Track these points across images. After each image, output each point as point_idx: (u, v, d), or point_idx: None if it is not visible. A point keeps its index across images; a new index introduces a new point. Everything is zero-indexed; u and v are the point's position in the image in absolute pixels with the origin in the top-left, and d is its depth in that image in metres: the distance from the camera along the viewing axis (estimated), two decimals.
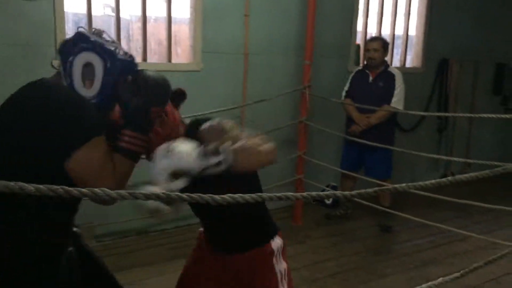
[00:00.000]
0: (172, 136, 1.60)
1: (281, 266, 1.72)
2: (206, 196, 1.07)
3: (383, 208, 3.89)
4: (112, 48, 1.46)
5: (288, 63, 4.30)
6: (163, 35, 3.91)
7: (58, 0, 3.18)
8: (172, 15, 3.80)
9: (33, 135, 1.34)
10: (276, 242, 1.72)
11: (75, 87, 1.43)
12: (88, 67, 1.43)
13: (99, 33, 1.50)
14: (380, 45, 4.02)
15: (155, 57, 4.01)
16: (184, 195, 1.06)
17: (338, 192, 1.38)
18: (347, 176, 4.10)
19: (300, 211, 4.20)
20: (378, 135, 3.88)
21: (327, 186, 4.49)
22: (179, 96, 1.79)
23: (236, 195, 1.13)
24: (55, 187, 0.83)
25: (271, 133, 4.11)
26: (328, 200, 4.65)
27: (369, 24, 4.98)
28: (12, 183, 0.77)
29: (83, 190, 0.89)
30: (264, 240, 1.71)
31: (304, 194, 1.29)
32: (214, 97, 3.91)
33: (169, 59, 3.82)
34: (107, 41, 1.48)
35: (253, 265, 1.69)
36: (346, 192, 1.38)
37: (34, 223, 1.36)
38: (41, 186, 0.81)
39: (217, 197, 1.10)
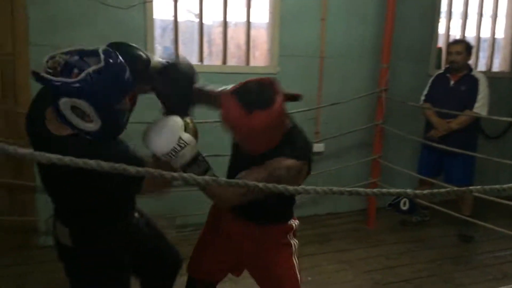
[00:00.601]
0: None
1: (295, 241, 2.04)
2: (280, 187, 1.16)
3: (464, 217, 3.74)
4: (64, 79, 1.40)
5: (364, 66, 4.28)
6: (242, 39, 4.07)
7: (148, 7, 3.45)
8: (251, 20, 3.94)
9: None
10: (295, 221, 2.05)
11: (81, 128, 1.45)
12: (76, 109, 1.43)
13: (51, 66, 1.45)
14: (463, 48, 3.87)
15: (233, 60, 4.19)
16: (260, 185, 1.15)
17: (409, 190, 1.38)
18: (424, 182, 3.98)
19: (374, 215, 4.15)
20: (459, 140, 3.73)
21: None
22: (295, 99, 1.99)
23: (309, 187, 1.21)
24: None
25: (346, 136, 4.13)
26: (404, 206, 4.54)
27: (452, 26, 4.80)
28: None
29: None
30: (289, 217, 2.04)
31: (375, 190, 1.33)
32: None
33: (247, 62, 3.97)
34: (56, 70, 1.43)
35: (277, 236, 1.98)
36: (418, 191, 1.39)
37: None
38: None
39: (291, 188, 1.18)
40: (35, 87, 3.45)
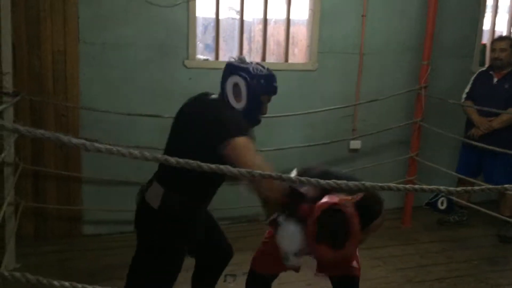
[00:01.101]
0: None
1: None
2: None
3: (504, 217, 3.67)
4: (248, 67, 1.95)
5: (404, 63, 4.25)
6: (281, 36, 4.13)
7: (191, 6, 3.56)
8: (291, 17, 3.99)
9: (205, 135, 1.86)
10: None
11: (230, 102, 1.96)
12: (236, 87, 1.94)
13: (241, 59, 2.01)
14: (508, 44, 3.79)
15: (273, 57, 4.25)
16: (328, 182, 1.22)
17: (442, 187, 1.41)
18: (463, 181, 3.92)
19: (410, 213, 4.13)
20: (501, 140, 3.65)
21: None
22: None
23: (341, 182, 1.27)
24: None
25: (383, 133, 4.12)
26: (442, 205, 4.49)
27: (497, 22, 4.67)
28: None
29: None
30: None
31: (407, 186, 1.37)
32: (327, 95, 4.03)
33: (286, 59, 4.02)
34: (246, 63, 1.98)
35: None
36: (451, 188, 1.42)
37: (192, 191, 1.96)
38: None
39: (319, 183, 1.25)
40: (84, 83, 3.65)
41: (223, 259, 2.35)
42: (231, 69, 1.98)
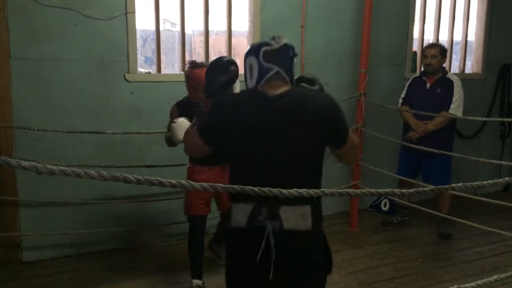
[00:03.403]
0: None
1: None
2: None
3: (442, 215, 3.87)
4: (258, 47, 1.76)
5: (343, 71, 4.39)
6: (222, 47, 4.13)
7: (130, 18, 3.47)
8: (232, 28, 4.00)
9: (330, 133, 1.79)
10: None
11: (247, 80, 1.80)
12: (250, 68, 1.78)
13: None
14: (438, 51, 4.01)
15: None
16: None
17: (396, 190, 1.46)
18: (404, 183, 4.08)
19: (356, 217, 4.24)
20: (436, 142, 3.86)
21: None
22: None
23: (301, 190, 1.28)
24: None
25: None
26: (385, 207, 4.65)
27: (426, 30, 4.96)
28: None
29: None
30: None
31: (364, 190, 1.40)
32: None
33: None
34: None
35: None
36: (404, 190, 1.47)
37: None
38: None
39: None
40: (17, 102, 3.43)
41: None
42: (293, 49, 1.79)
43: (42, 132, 3.17)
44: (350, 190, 1.41)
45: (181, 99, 2.95)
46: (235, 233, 1.74)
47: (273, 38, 1.74)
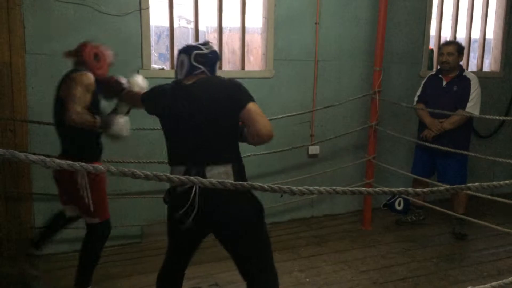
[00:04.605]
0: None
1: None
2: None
3: (458, 215, 3.80)
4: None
5: (358, 69, 4.34)
6: (236, 44, 4.11)
7: (144, 14, 3.48)
8: (246, 25, 3.99)
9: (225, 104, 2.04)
10: None
11: (178, 76, 2.16)
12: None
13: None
14: (455, 49, 3.94)
15: (229, 65, 4.23)
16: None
17: (409, 189, 1.43)
18: (419, 182, 4.04)
19: (369, 216, 4.20)
20: (452, 140, 3.80)
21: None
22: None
23: (312, 188, 1.26)
24: None
25: (340, 138, 4.18)
26: (399, 206, 4.59)
27: (443, 28, 4.88)
28: None
29: None
30: None
31: (376, 189, 1.37)
32: (285, 102, 4.05)
33: (243, 67, 4.01)
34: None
35: None
36: (418, 189, 1.44)
37: None
38: None
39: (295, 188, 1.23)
40: (32, 96, 3.47)
41: None
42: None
43: None
44: (362, 189, 1.39)
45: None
46: (171, 192, 2.10)
47: (204, 44, 2.15)
